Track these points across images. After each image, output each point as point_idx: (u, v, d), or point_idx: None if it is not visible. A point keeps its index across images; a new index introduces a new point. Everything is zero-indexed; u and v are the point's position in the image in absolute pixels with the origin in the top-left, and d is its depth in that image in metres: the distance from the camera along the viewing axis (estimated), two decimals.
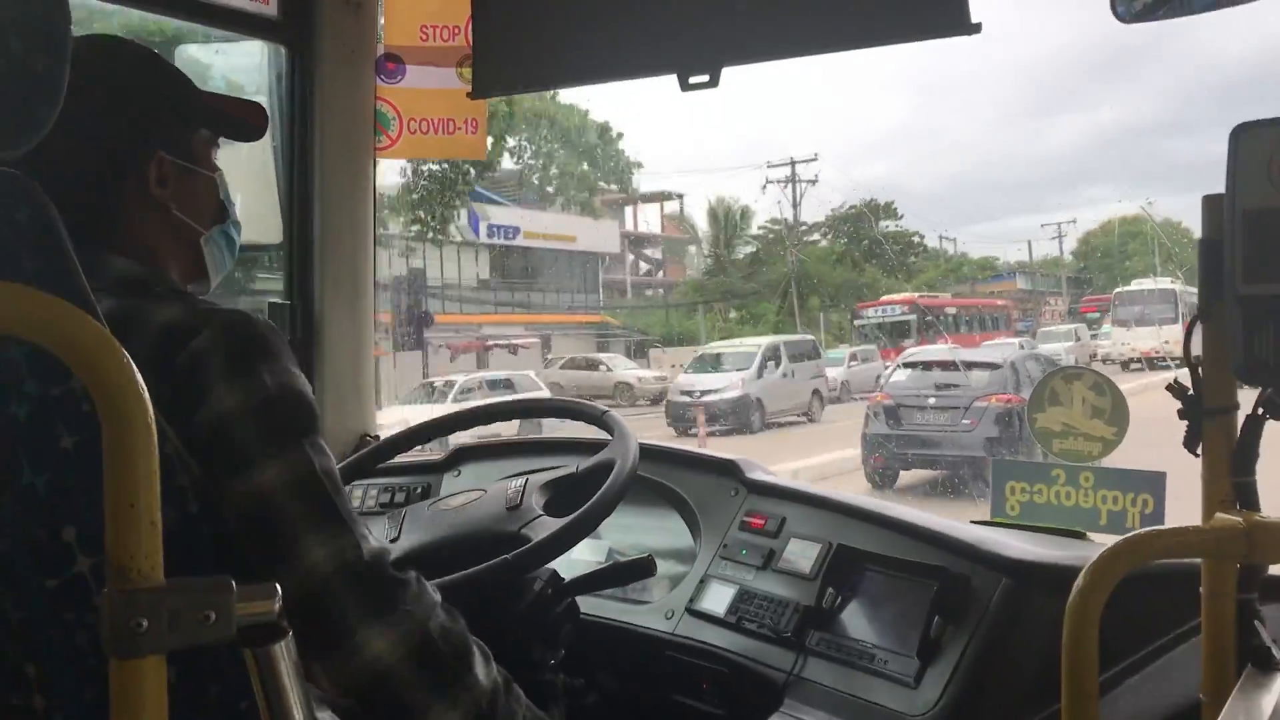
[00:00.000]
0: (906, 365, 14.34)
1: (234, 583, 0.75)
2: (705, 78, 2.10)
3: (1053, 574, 1.60)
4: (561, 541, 1.62)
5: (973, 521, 2.03)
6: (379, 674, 1.12)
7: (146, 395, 0.68)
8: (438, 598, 1.22)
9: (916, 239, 46.89)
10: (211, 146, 1.38)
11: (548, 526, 1.66)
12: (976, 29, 1.86)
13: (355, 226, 2.50)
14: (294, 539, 1.10)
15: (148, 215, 1.27)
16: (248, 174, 2.32)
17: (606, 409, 1.95)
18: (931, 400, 13.04)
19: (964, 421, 12.58)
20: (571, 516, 1.65)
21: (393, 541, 1.82)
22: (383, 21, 2.55)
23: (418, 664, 1.14)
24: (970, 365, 13.72)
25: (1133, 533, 1.15)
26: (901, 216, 46.36)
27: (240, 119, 1.43)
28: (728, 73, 2.05)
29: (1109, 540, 1.13)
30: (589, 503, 1.65)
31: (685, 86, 2.11)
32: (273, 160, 2.42)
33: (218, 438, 1.09)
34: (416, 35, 2.57)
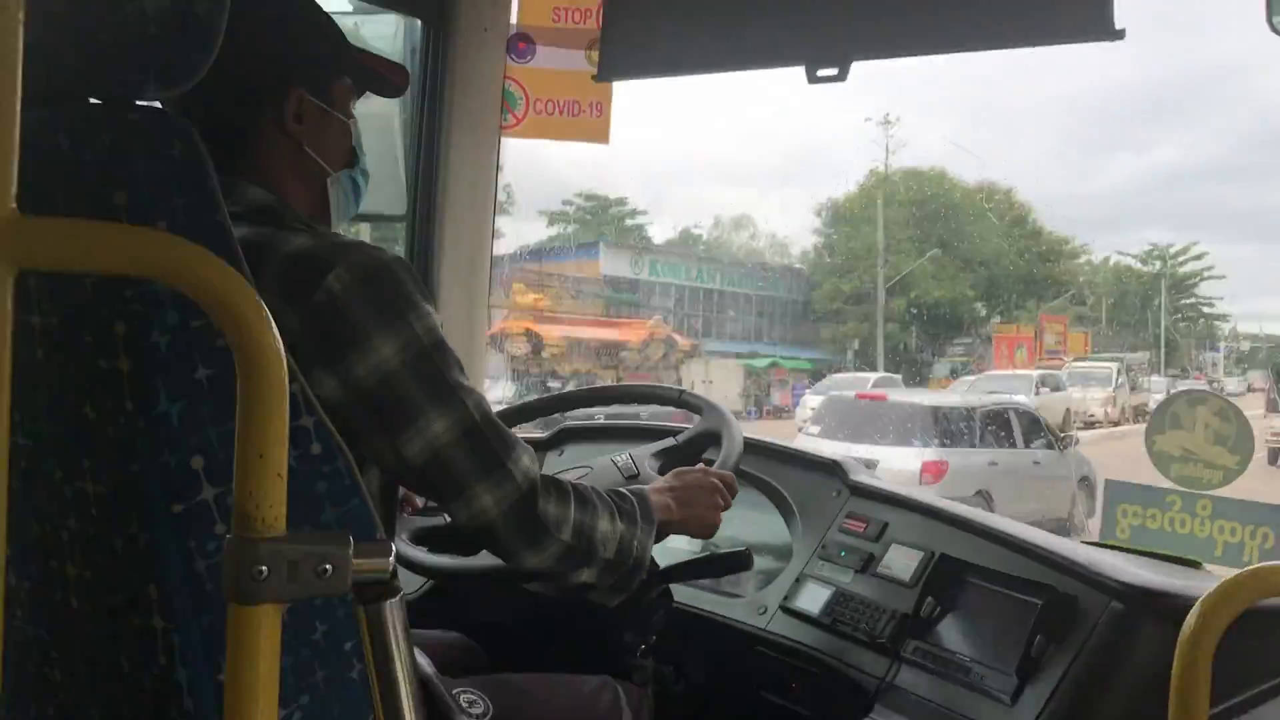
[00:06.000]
0: None
1: (351, 539, 0.76)
2: (834, 71, 2.07)
3: (1166, 602, 1.55)
4: None
5: (1083, 542, 1.98)
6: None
7: (284, 352, 0.70)
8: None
9: None
10: (351, 96, 1.42)
11: None
12: (1120, 35, 1.79)
13: (476, 203, 2.54)
14: (466, 485, 1.23)
15: (280, 148, 1.32)
16: (377, 146, 2.37)
17: (683, 389, 2.04)
18: None
19: None
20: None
21: None
22: (517, 1, 2.58)
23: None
24: None
25: (1258, 565, 1.10)
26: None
27: (383, 76, 1.48)
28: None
29: (1225, 572, 1.08)
30: (721, 457, 1.71)
31: (813, 79, 2.08)
32: (400, 133, 2.47)
33: (382, 392, 1.17)
34: (549, 16, 2.60)
